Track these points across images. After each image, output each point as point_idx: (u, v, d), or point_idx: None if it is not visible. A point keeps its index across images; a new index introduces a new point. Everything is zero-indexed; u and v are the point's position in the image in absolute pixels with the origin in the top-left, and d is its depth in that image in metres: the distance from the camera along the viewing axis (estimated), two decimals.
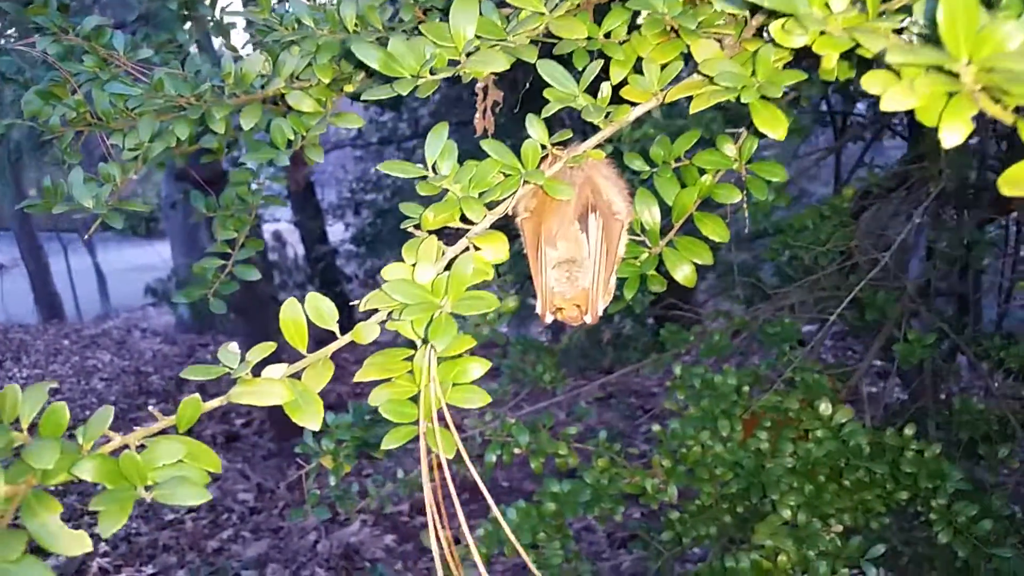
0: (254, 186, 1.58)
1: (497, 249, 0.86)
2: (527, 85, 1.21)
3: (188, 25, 2.10)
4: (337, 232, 10.56)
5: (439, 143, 0.85)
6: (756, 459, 2.12)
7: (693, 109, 0.84)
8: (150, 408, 0.76)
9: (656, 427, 2.20)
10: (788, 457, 2.10)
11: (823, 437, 2.08)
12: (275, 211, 10.18)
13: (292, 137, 1.28)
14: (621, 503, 2.15)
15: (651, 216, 1.13)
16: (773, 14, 0.84)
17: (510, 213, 0.92)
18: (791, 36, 0.69)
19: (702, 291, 5.84)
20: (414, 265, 0.83)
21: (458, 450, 0.81)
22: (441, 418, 0.81)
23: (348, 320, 0.75)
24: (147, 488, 0.70)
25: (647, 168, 1.14)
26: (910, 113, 0.68)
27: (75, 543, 0.66)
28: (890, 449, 2.10)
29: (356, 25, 1.21)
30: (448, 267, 0.84)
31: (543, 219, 0.92)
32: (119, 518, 0.68)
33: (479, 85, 1.21)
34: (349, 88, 1.24)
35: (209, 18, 2.01)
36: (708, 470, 2.14)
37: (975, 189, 2.46)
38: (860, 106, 4.60)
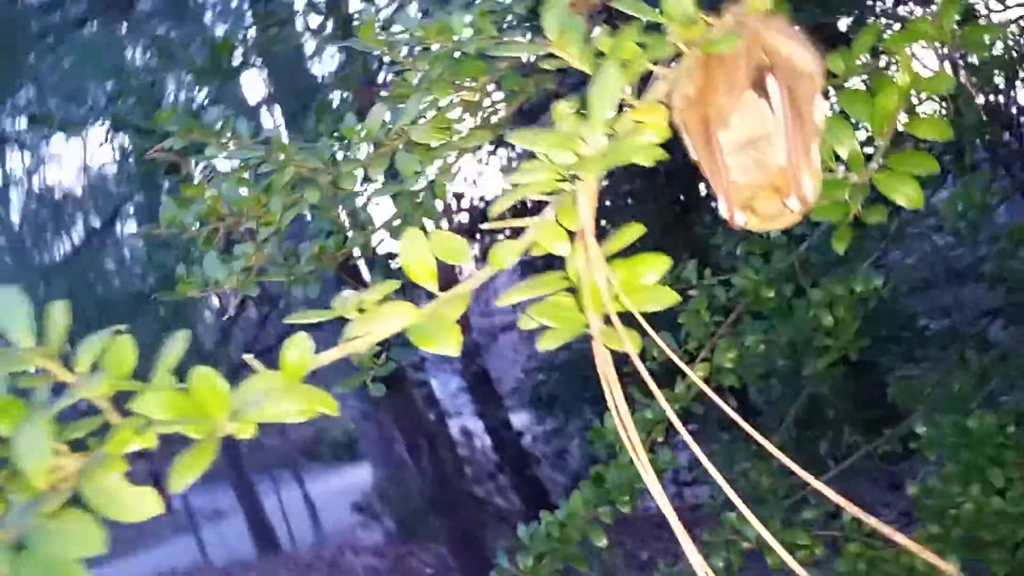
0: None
1: (658, 122, 0.70)
2: None
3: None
4: (521, 420, 10.53)
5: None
6: None
7: None
8: (245, 356, 0.61)
9: (912, 489, 1.82)
10: None
11: None
12: (459, 406, 10.34)
13: (419, 168, 1.20)
14: None
15: (847, 144, 0.92)
16: None
17: (666, 105, 0.76)
18: None
19: None
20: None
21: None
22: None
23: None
24: (232, 418, 0.53)
25: None
26: None
27: (142, 504, 0.49)
28: None
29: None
30: None
31: (707, 104, 0.75)
32: (198, 463, 0.51)
33: None
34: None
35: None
36: (990, 531, 1.72)
37: None
38: None
